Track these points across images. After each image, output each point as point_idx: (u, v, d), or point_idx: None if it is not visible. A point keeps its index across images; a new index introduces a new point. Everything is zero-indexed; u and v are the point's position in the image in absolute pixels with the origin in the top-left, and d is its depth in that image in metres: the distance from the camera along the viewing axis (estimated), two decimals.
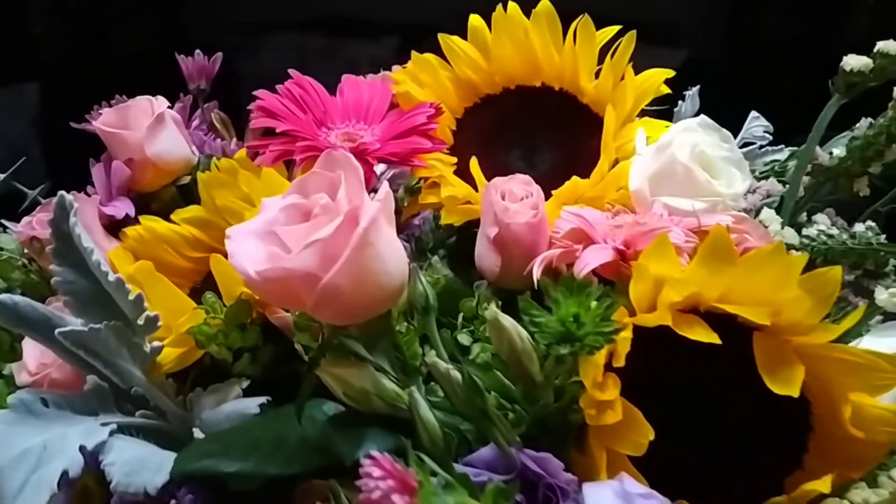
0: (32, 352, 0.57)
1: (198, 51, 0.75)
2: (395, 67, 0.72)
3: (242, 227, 0.43)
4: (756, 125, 0.79)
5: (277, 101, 0.63)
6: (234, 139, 0.74)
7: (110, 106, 0.69)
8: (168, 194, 0.66)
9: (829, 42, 1.15)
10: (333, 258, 0.40)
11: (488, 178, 0.62)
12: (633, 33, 0.64)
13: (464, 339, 0.54)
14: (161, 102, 0.66)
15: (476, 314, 0.55)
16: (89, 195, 0.65)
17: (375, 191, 0.60)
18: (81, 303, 0.49)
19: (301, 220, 0.42)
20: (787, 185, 0.68)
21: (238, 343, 0.52)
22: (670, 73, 0.65)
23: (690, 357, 0.45)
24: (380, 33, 1.26)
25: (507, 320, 0.44)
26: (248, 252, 0.40)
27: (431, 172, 0.62)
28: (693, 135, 0.59)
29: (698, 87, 0.77)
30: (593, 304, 0.40)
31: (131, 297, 0.48)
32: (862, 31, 1.17)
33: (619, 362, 0.43)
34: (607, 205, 0.59)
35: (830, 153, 0.68)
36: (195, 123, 0.76)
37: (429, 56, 0.68)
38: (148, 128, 0.64)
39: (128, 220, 0.64)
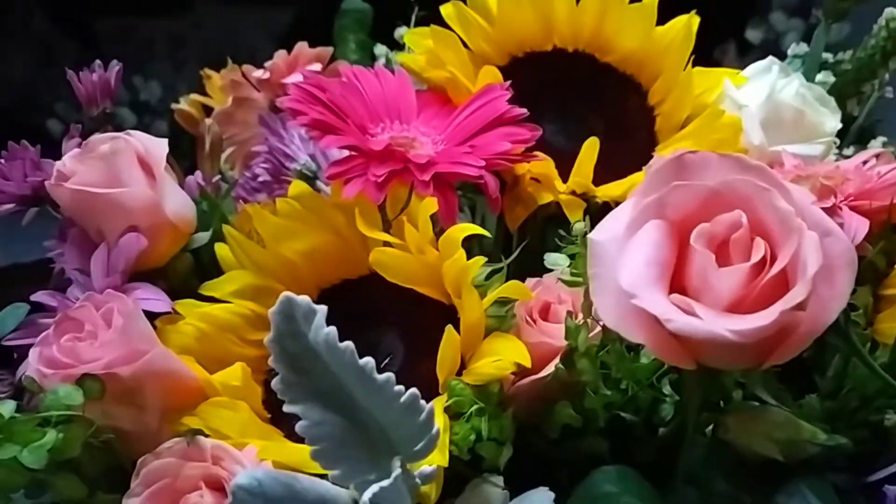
0: None
1: (98, 61, 0.53)
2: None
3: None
4: None
5: (320, 105, 0.47)
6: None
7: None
8: (183, 265, 0.47)
9: None
10: None
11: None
12: None
13: None
14: (144, 139, 0.45)
15: None
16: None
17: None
18: (337, 449, 0.32)
19: None
20: None
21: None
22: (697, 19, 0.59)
23: None
24: None
25: None
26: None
27: (541, 167, 0.51)
28: (788, 77, 0.55)
29: None
30: None
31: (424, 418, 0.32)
32: None
33: None
34: None
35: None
36: None
37: (444, 31, 0.55)
38: (160, 179, 0.44)
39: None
